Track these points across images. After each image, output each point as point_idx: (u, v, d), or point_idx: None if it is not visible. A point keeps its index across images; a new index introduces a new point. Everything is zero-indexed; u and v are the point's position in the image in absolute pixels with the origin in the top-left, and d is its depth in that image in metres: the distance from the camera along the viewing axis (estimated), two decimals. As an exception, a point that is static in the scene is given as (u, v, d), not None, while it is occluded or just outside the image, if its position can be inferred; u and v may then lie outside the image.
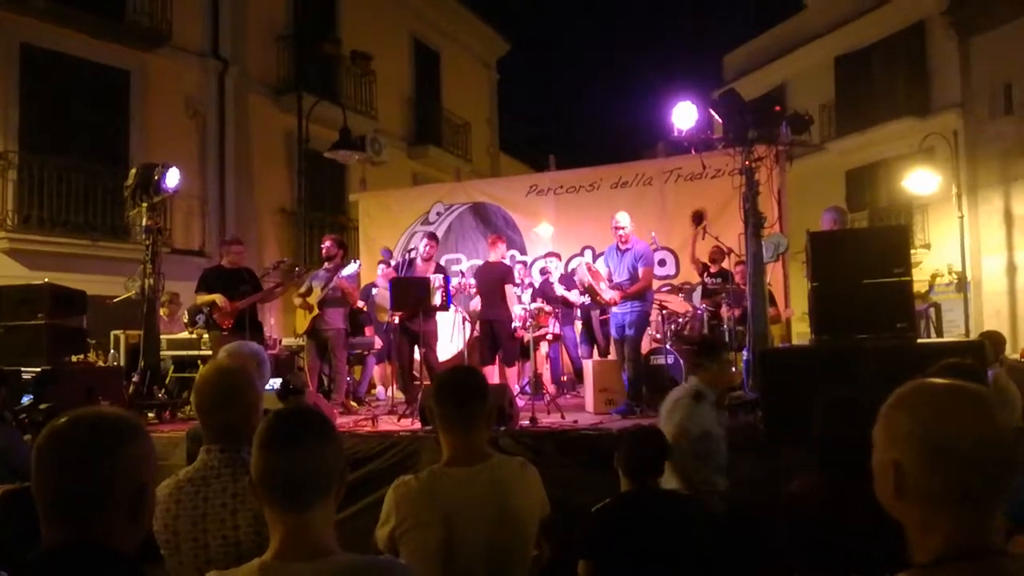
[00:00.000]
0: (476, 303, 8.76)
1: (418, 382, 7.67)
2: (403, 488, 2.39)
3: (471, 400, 2.44)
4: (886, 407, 1.25)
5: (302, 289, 7.89)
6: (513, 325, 8.03)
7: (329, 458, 1.63)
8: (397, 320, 7.92)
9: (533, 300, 8.13)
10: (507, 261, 8.77)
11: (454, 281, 8.49)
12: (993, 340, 6.36)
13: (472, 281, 8.80)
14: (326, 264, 7.99)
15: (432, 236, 8.47)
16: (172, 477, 2.22)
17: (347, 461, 1.72)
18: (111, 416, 1.50)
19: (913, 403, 1.21)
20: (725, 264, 8.16)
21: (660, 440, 3.29)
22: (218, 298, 7.26)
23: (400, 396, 8.64)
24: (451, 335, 9.69)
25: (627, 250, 7.06)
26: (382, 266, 9.40)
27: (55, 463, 1.41)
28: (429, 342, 7.73)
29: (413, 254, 9.74)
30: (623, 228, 7.07)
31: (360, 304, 8.90)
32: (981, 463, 1.13)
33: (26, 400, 5.68)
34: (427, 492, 2.36)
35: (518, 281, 8.39)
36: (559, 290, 8.61)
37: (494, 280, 8.09)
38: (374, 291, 9.31)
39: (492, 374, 8.09)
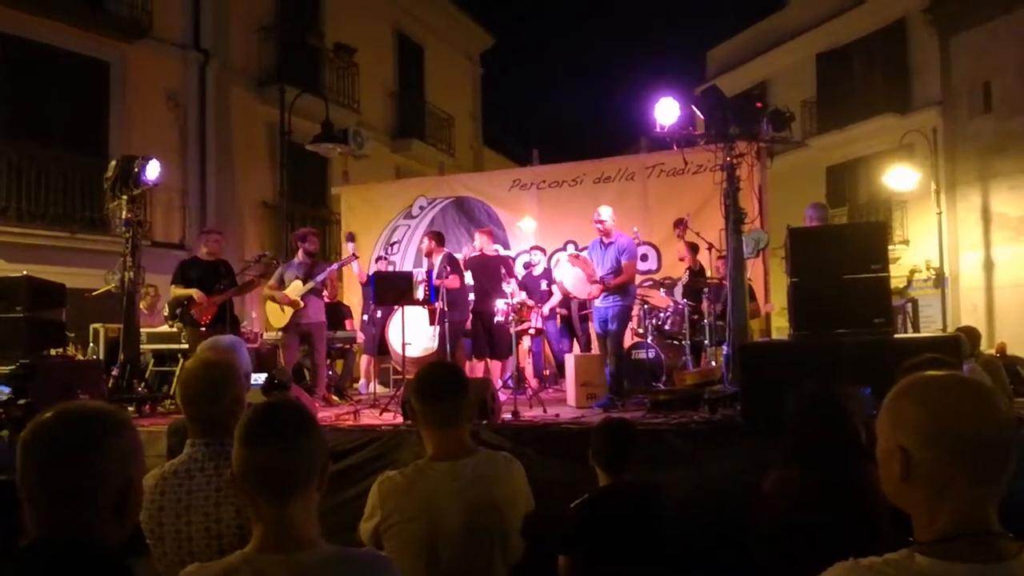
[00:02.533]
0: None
1: (400, 376, 7.66)
2: (388, 483, 2.40)
3: (453, 395, 2.46)
4: (890, 397, 1.30)
5: (271, 281, 7.69)
6: (496, 319, 8.04)
7: (310, 451, 1.64)
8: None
9: (518, 293, 8.15)
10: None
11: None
12: (969, 335, 6.48)
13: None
14: (301, 256, 7.78)
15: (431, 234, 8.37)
16: (158, 468, 2.23)
17: (329, 453, 1.73)
18: (96, 410, 1.50)
19: (919, 392, 1.26)
20: (701, 258, 8.26)
21: (630, 432, 3.25)
22: (195, 293, 7.17)
23: (382, 389, 8.64)
24: (433, 329, 9.69)
25: (610, 244, 7.07)
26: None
27: (40, 458, 1.42)
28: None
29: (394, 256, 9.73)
30: (602, 221, 7.08)
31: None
32: (985, 448, 1.20)
33: (5, 394, 5.64)
34: (412, 487, 2.37)
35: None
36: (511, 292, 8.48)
37: (492, 272, 8.07)
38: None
39: (476, 368, 8.11)
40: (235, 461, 1.64)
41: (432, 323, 7.91)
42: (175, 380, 7.87)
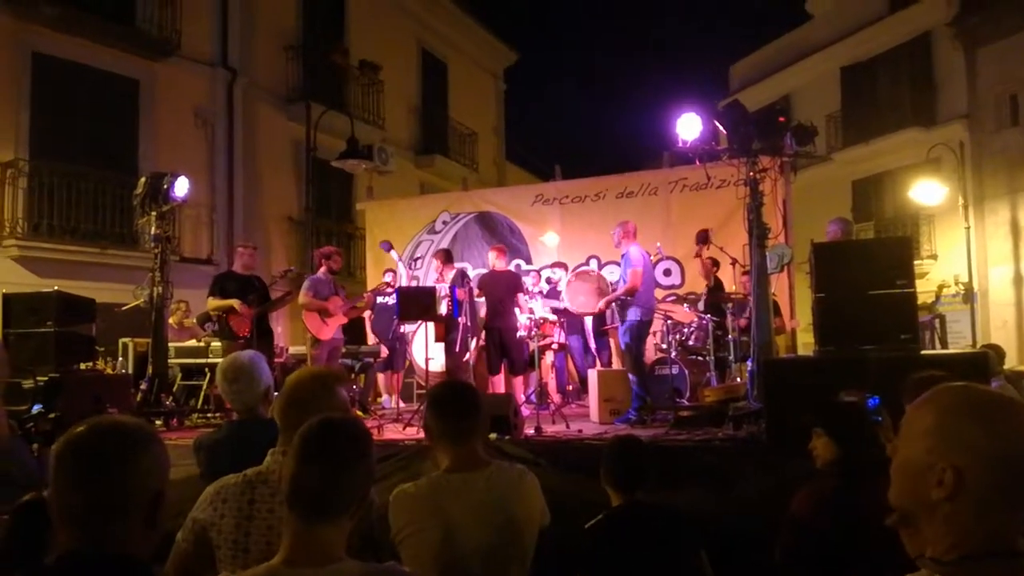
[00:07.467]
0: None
1: (423, 391, 7.68)
2: (401, 495, 2.43)
3: (468, 414, 2.51)
4: (939, 413, 1.21)
5: (308, 292, 7.60)
6: (518, 334, 8.04)
7: (359, 477, 1.68)
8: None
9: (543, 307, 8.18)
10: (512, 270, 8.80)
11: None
12: (995, 351, 6.44)
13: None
14: (325, 274, 7.82)
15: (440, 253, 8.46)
16: (235, 476, 2.21)
17: (373, 481, 1.75)
18: (127, 424, 1.53)
19: (978, 412, 1.18)
20: (725, 274, 8.23)
21: (640, 450, 3.15)
22: (236, 303, 7.19)
23: (404, 404, 8.66)
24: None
25: (624, 254, 7.11)
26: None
27: (72, 471, 1.45)
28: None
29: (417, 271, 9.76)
30: (614, 231, 7.22)
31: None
32: None
33: (35, 409, 5.72)
34: (426, 498, 2.40)
35: (529, 290, 8.39)
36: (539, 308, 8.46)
37: (504, 289, 8.08)
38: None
39: (498, 383, 8.11)
40: (286, 470, 1.67)
41: (438, 339, 7.93)
42: (200, 395, 7.95)
